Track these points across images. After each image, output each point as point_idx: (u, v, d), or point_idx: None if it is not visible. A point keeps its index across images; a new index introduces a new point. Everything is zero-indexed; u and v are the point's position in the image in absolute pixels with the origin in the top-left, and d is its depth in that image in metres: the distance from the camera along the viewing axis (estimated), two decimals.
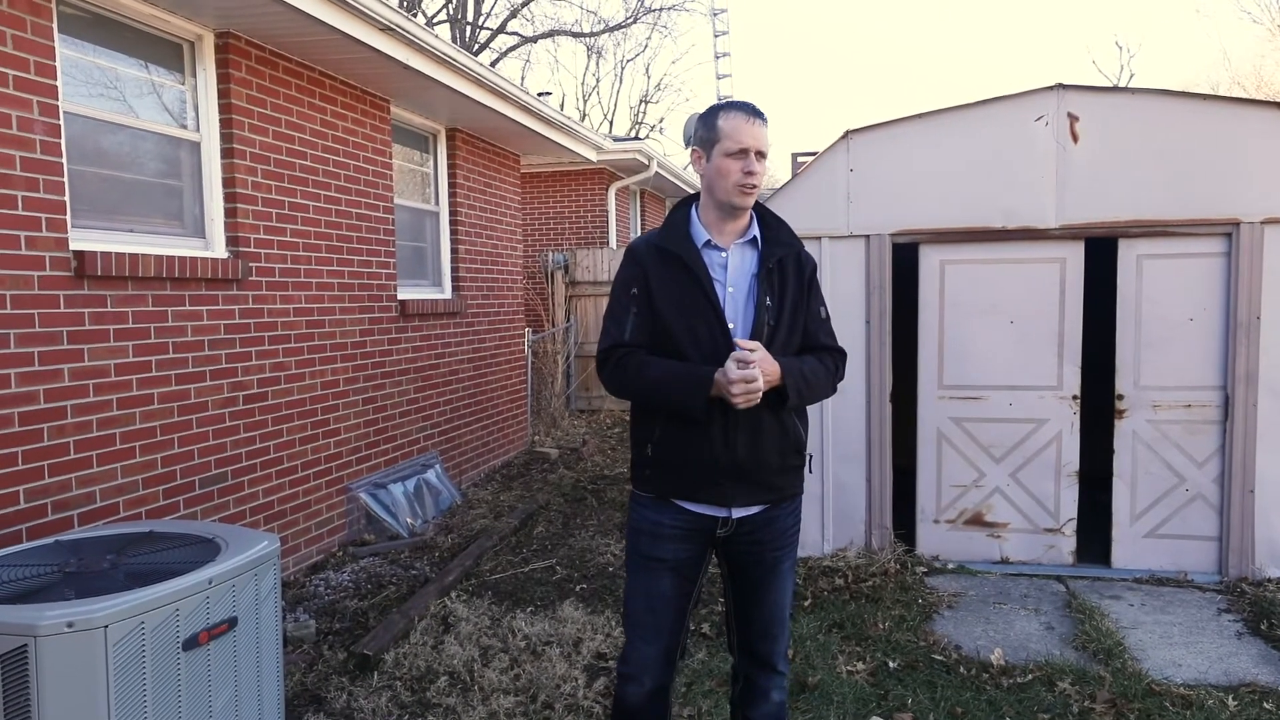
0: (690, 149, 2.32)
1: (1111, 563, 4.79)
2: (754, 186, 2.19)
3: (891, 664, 3.65)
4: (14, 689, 2.20)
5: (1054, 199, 4.62)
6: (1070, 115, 4.56)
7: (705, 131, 2.25)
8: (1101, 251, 4.87)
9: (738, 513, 2.25)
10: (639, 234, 10.22)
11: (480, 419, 7.37)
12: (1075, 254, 4.69)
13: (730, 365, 2.07)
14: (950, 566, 4.88)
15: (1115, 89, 4.63)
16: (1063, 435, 4.78)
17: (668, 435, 2.21)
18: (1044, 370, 4.77)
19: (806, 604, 4.30)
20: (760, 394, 2.08)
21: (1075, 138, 4.56)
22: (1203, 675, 3.57)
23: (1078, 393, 4.76)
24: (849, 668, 3.61)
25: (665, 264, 2.25)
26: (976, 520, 4.94)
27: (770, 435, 2.23)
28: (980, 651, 3.79)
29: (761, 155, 2.20)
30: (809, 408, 2.39)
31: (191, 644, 2.45)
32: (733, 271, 2.26)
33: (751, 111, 2.21)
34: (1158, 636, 3.94)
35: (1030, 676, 3.54)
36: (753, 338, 2.19)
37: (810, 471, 2.45)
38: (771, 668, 2.36)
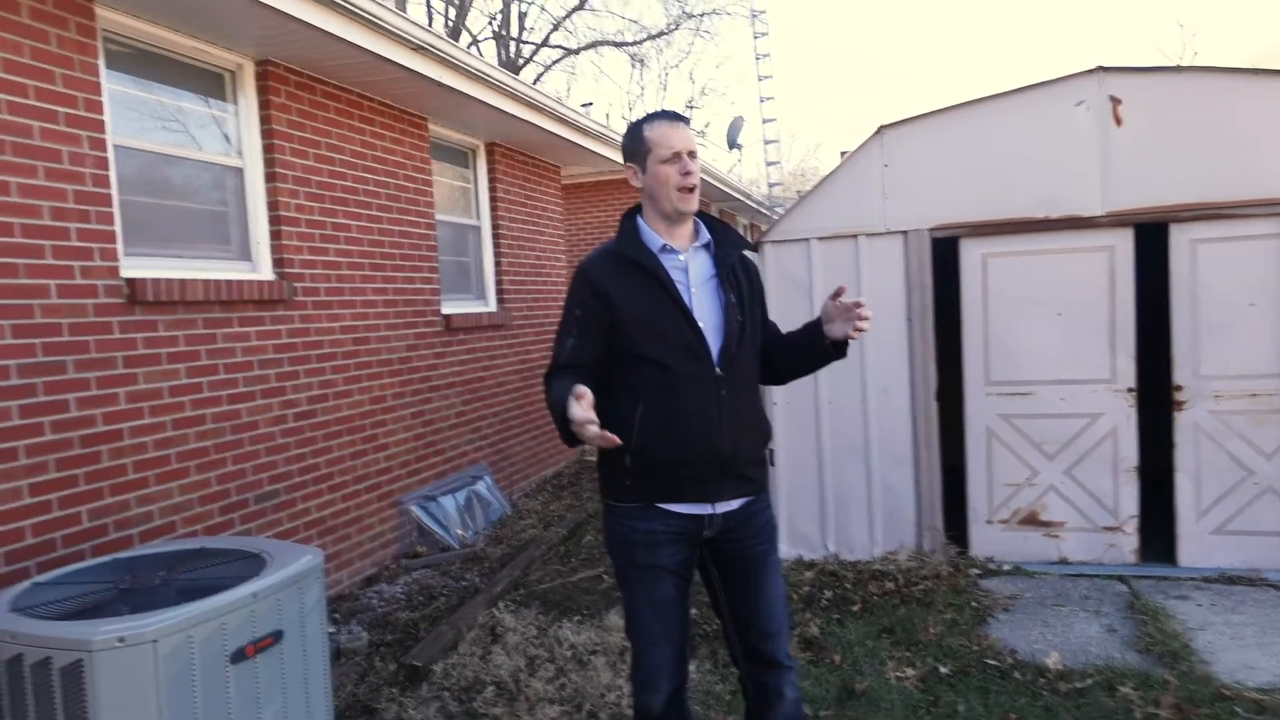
0: (625, 165, 2.39)
1: (1177, 561, 4.60)
2: (693, 187, 2.27)
3: (943, 669, 3.57)
4: (73, 701, 2.29)
5: (1099, 186, 4.48)
6: (1113, 98, 4.41)
7: (634, 145, 2.33)
8: (1151, 238, 4.70)
9: (721, 508, 2.29)
10: None
11: (529, 430, 7.44)
12: (1124, 241, 4.54)
13: (570, 402, 2.00)
14: (1005, 568, 4.74)
15: (1159, 69, 4.46)
16: (1119, 429, 4.62)
17: (644, 442, 2.22)
18: (1096, 363, 4.62)
19: (855, 609, 4.23)
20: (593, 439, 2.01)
21: (1119, 121, 4.42)
22: (1278, 678, 3.40)
23: (1133, 385, 4.59)
24: (898, 673, 3.53)
25: (624, 272, 2.28)
26: (1031, 520, 4.80)
27: (749, 426, 2.31)
28: (1037, 655, 3.68)
29: (693, 155, 2.28)
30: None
31: (239, 657, 2.52)
32: (694, 274, 2.32)
33: (673, 117, 2.31)
34: (1228, 638, 3.77)
35: (1090, 681, 3.42)
36: (725, 338, 2.27)
37: (773, 465, 2.50)
38: (777, 664, 2.35)
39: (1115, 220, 4.50)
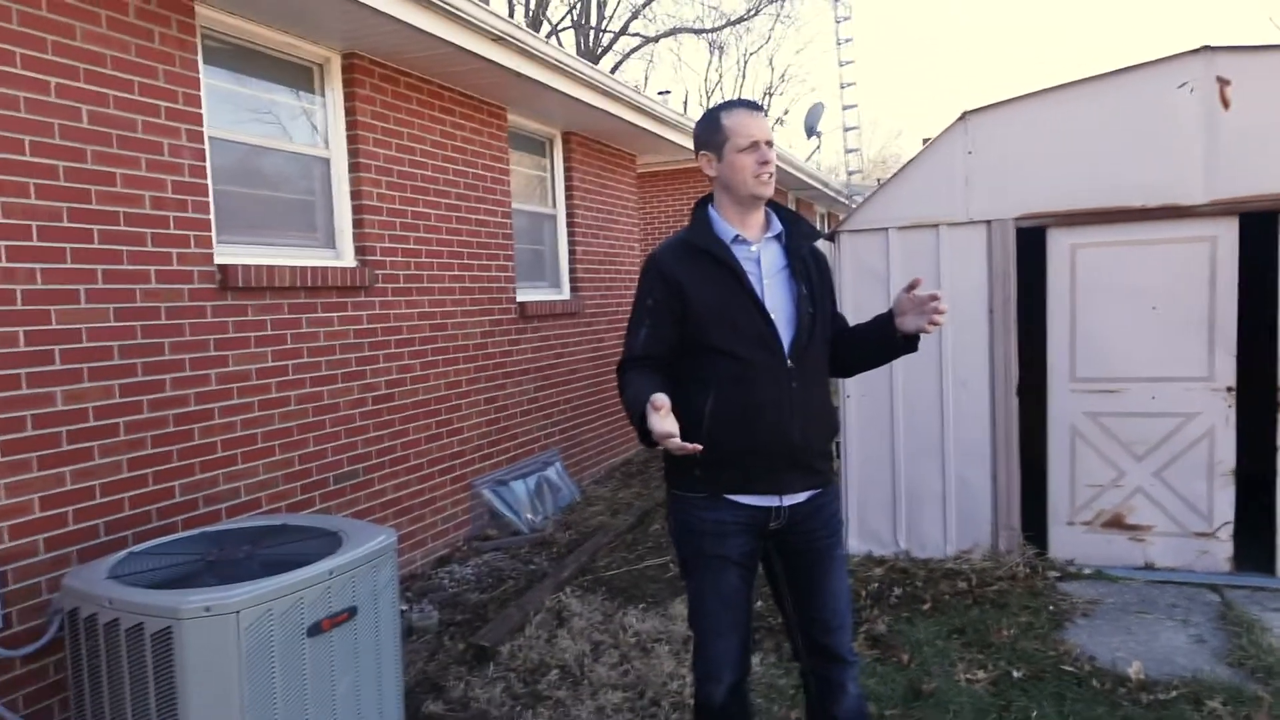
0: (698, 154, 2.37)
1: (1277, 572, 4.35)
2: (771, 174, 2.27)
3: (1016, 673, 3.46)
4: (162, 664, 2.43)
5: (1202, 173, 4.24)
6: (1220, 79, 4.16)
7: (710, 134, 2.32)
8: (1255, 228, 4.42)
9: (788, 500, 2.28)
10: None
11: (601, 417, 7.50)
12: (1228, 231, 4.28)
13: (650, 414, 2.00)
14: (1086, 571, 4.56)
15: (1273, 47, 4.17)
16: (1215, 431, 4.38)
17: (715, 433, 2.19)
18: (1192, 360, 4.38)
19: (925, 608, 4.14)
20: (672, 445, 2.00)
21: (1226, 103, 4.16)
22: None
23: (1233, 384, 4.34)
24: (968, 675, 3.45)
25: (696, 262, 2.27)
26: (1116, 522, 4.60)
27: (819, 418, 2.30)
28: (1117, 664, 3.53)
29: (770, 144, 2.28)
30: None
31: (315, 630, 2.62)
32: (765, 265, 2.31)
33: (751, 106, 2.31)
34: None
35: (1174, 693, 3.26)
36: (797, 329, 2.26)
37: (837, 457, 2.47)
38: (840, 659, 2.33)
39: (1219, 209, 4.25)
